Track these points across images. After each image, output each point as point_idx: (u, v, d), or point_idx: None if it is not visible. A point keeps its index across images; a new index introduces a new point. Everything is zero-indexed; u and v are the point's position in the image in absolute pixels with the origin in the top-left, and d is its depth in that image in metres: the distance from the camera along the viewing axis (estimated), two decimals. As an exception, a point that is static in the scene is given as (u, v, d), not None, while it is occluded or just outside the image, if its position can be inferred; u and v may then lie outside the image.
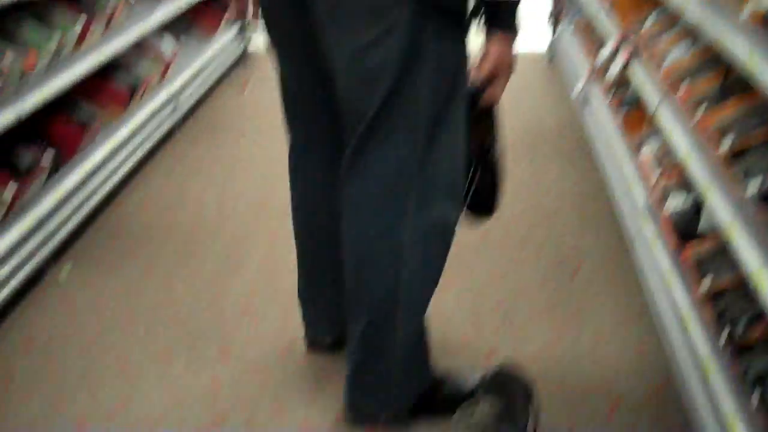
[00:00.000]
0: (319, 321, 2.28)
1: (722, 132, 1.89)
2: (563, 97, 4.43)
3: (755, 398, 1.65)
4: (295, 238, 2.22)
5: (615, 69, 3.13)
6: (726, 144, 1.85)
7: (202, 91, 4.41)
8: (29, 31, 2.77)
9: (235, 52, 5.08)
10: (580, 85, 3.94)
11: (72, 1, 3.09)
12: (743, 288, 1.85)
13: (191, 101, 4.23)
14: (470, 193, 1.94)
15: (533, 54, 5.26)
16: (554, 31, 5.07)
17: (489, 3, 1.78)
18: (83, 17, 2.99)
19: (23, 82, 2.61)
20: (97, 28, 3.11)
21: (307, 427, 2.06)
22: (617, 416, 2.09)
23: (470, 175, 1.93)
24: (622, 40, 3.17)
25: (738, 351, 1.76)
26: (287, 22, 1.89)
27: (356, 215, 1.87)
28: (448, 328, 2.43)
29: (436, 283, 1.95)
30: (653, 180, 2.54)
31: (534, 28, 5.41)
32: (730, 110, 1.98)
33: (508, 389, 1.93)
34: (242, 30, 5.17)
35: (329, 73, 1.82)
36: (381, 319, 1.89)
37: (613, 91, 3.25)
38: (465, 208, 1.95)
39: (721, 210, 1.85)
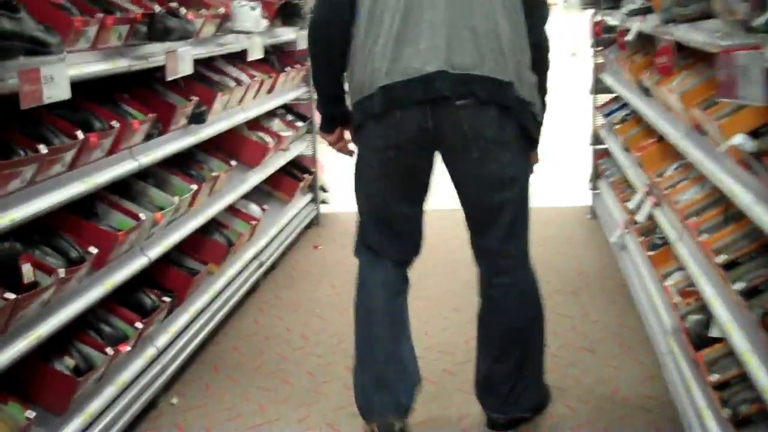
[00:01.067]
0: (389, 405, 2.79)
1: (717, 251, 2.38)
2: (604, 245, 4.92)
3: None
4: (368, 333, 2.84)
5: (643, 215, 3.64)
6: (720, 259, 2.33)
7: (282, 248, 4.99)
8: (154, 195, 3.40)
9: (309, 215, 5.69)
10: (617, 233, 4.45)
11: (185, 174, 3.73)
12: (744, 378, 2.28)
13: (274, 257, 4.81)
14: None
15: (577, 208, 5.81)
16: (594, 188, 5.62)
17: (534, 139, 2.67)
18: (194, 186, 3.62)
19: (150, 234, 3.22)
20: (204, 192, 3.74)
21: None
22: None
23: None
24: (648, 191, 3.70)
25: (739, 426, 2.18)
26: (416, 160, 2.64)
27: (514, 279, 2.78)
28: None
29: None
30: (675, 303, 2.99)
31: (578, 186, 6.00)
32: (726, 236, 2.48)
33: None
34: (314, 197, 5.81)
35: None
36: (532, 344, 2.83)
37: (639, 233, 3.75)
38: None
39: (721, 313, 2.30)
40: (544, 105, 2.71)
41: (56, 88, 2.39)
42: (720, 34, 2.17)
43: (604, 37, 5.15)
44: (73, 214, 2.88)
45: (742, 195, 2.15)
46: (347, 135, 2.88)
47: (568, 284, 4.40)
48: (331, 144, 2.95)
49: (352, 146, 2.90)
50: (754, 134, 2.03)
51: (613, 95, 5.25)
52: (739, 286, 2.16)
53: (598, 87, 5.41)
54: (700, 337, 2.64)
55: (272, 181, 5.13)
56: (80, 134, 2.69)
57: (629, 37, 3.70)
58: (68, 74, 2.46)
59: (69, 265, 2.65)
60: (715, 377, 2.42)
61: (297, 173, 5.53)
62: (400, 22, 2.48)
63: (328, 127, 2.90)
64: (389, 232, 2.80)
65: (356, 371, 2.87)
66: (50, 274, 2.52)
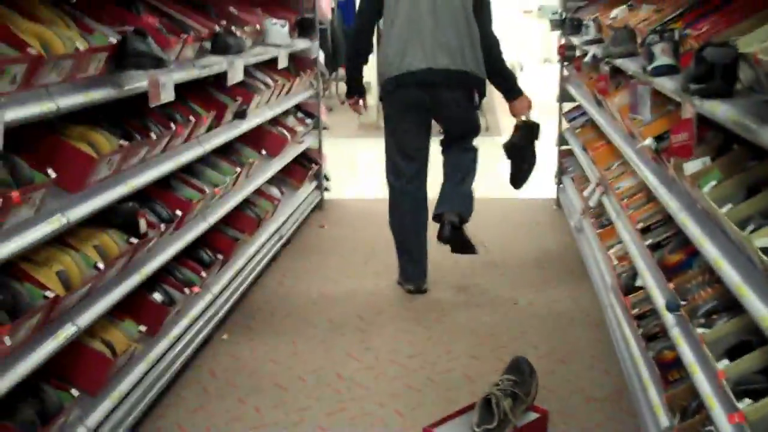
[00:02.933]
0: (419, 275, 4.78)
1: (638, 222, 3.35)
2: (566, 229, 5.89)
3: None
4: (403, 230, 4.80)
5: (594, 201, 4.60)
6: (639, 225, 3.30)
7: (295, 226, 5.91)
8: (210, 174, 4.31)
9: (315, 200, 6.62)
10: (576, 218, 5.42)
11: (230, 159, 4.64)
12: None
13: (289, 233, 5.73)
14: (522, 172, 4.85)
15: (545, 199, 6.80)
16: (559, 182, 6.59)
17: (508, 87, 4.72)
18: (237, 170, 4.53)
19: (211, 204, 4.14)
20: (243, 175, 4.66)
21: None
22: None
23: (524, 161, 4.79)
24: (598, 183, 4.66)
25: (649, 340, 3.14)
26: (418, 115, 4.59)
27: (463, 160, 4.70)
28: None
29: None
30: (614, 266, 3.96)
31: (544, 181, 6.97)
32: (645, 211, 3.45)
33: (522, 368, 3.30)
34: (319, 185, 6.74)
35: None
36: (468, 177, 4.66)
37: (592, 217, 4.72)
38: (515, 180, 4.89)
39: (641, 267, 3.27)
40: (508, 76, 4.76)
41: (166, 92, 3.31)
42: (637, 68, 3.13)
43: (567, 54, 6.12)
44: (159, 187, 3.78)
45: (653, 180, 3.10)
46: (361, 101, 4.95)
47: (535, 260, 5.36)
48: (351, 105, 4.94)
49: (360, 108, 4.98)
50: (659, 138, 2.98)
51: (576, 104, 6.21)
52: (648, 242, 3.12)
53: (564, 96, 6.37)
54: (628, 286, 3.61)
55: (285, 169, 6.02)
56: (172, 126, 3.60)
57: (586, 60, 4.67)
58: (173, 81, 3.38)
59: (164, 222, 3.56)
60: (635, 311, 3.38)
61: (305, 163, 6.44)
62: (406, 37, 4.44)
63: (349, 94, 4.90)
64: (408, 158, 4.65)
65: (399, 254, 4.84)
66: (153, 228, 3.43)
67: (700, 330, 2.35)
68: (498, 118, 10.77)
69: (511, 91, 4.73)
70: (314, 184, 6.66)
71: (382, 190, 7.60)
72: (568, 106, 6.51)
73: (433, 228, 4.69)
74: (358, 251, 5.63)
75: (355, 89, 4.85)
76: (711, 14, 2.78)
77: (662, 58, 2.53)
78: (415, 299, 4.72)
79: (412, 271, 4.78)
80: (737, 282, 2.07)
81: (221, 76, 4.31)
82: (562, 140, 6.49)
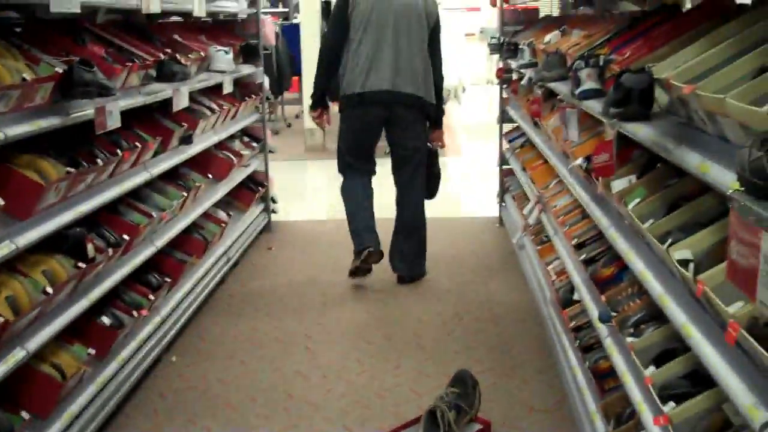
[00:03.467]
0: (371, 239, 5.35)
1: (573, 237, 3.49)
2: (509, 246, 6.04)
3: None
4: (354, 203, 5.38)
5: (533, 219, 4.75)
6: (574, 241, 3.44)
7: (242, 249, 5.97)
8: (157, 199, 4.36)
9: (262, 222, 6.69)
10: (517, 235, 5.57)
11: (176, 184, 4.70)
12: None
13: (237, 255, 5.79)
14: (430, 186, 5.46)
15: (488, 218, 6.95)
16: (502, 201, 6.75)
17: (437, 118, 5.33)
18: (183, 194, 4.59)
19: (159, 228, 4.20)
20: (190, 198, 4.71)
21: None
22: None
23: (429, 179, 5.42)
24: (537, 200, 4.81)
25: (586, 352, 3.27)
26: (375, 128, 5.25)
27: (414, 198, 5.34)
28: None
29: None
30: (553, 280, 4.10)
31: (487, 200, 7.13)
32: (580, 228, 3.59)
33: (465, 381, 3.41)
34: (267, 207, 6.80)
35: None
36: (422, 233, 5.33)
37: (533, 234, 4.87)
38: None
39: (578, 281, 3.40)
40: (441, 100, 5.32)
41: (113, 119, 3.37)
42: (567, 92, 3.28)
43: (505, 77, 6.30)
44: (106, 212, 3.83)
45: (585, 198, 3.25)
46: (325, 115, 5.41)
47: (478, 276, 5.49)
48: (314, 118, 5.35)
49: (324, 122, 5.41)
50: (589, 158, 3.13)
51: (516, 124, 6.38)
52: (582, 257, 3.26)
53: (505, 117, 6.55)
54: (566, 300, 3.75)
55: (232, 192, 6.09)
56: (119, 152, 3.66)
57: (522, 83, 4.84)
58: (119, 108, 3.44)
59: (111, 247, 3.61)
60: (573, 324, 3.52)
61: (252, 186, 6.51)
62: (371, 60, 5.02)
63: (315, 107, 5.31)
64: (361, 157, 5.29)
65: (352, 227, 5.34)
66: (101, 252, 3.48)
67: (629, 339, 2.48)
68: (453, 138, 10.96)
69: (438, 121, 5.43)
70: (261, 206, 6.73)
71: (329, 211, 7.73)
72: (508, 126, 6.68)
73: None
74: (305, 272, 5.71)
75: (321, 102, 5.31)
76: (636, 40, 2.93)
77: (588, 83, 2.68)
78: (360, 319, 4.81)
79: (368, 237, 5.29)
80: (660, 292, 2.20)
81: (167, 103, 4.37)
82: (503, 160, 6.65)
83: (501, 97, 6.58)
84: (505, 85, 6.50)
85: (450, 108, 11.43)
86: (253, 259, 6.06)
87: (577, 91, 2.73)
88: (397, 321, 4.76)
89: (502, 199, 6.76)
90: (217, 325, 4.75)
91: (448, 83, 7.22)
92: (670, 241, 2.04)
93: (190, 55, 4.76)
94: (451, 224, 6.76)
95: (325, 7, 10.28)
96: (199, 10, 4.54)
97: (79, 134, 3.52)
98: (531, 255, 4.98)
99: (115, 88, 3.40)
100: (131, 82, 3.88)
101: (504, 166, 6.67)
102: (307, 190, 9.29)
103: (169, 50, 4.54)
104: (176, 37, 4.89)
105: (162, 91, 4.18)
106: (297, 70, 11.59)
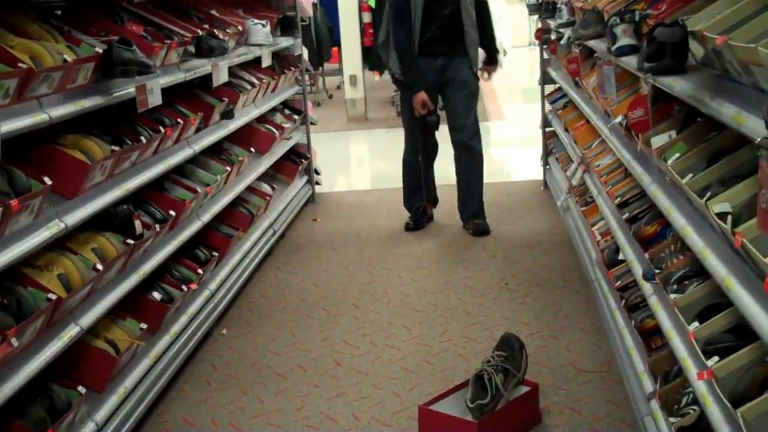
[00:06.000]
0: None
1: (617, 197, 3.47)
2: (554, 209, 6.01)
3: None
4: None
5: (576, 179, 4.72)
6: (617, 200, 3.42)
7: (288, 221, 6.02)
8: (201, 174, 4.42)
9: (307, 194, 6.73)
10: (562, 198, 5.54)
11: (220, 159, 4.75)
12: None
13: (283, 227, 5.85)
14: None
15: (533, 181, 6.92)
16: (546, 163, 6.71)
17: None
18: (227, 168, 4.64)
19: (204, 203, 4.26)
20: (234, 173, 4.77)
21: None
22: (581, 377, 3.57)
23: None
24: (580, 161, 4.78)
25: (632, 311, 3.26)
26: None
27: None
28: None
29: None
30: (598, 241, 4.08)
31: (532, 163, 7.09)
32: (623, 187, 3.57)
33: (512, 344, 3.42)
34: (310, 179, 6.85)
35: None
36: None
37: (577, 195, 4.84)
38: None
39: (622, 240, 3.39)
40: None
41: (154, 97, 3.42)
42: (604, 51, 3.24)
43: (544, 38, 6.23)
44: (152, 189, 3.89)
45: (627, 156, 3.22)
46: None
47: (524, 240, 5.49)
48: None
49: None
50: (626, 116, 3.10)
51: (557, 86, 6.32)
52: (625, 216, 3.24)
53: (546, 78, 6.48)
54: (612, 260, 3.73)
55: (276, 165, 6.13)
56: (161, 129, 3.71)
57: (561, 42, 4.78)
58: (160, 86, 3.49)
59: (158, 223, 3.67)
60: (618, 284, 3.50)
61: (295, 159, 6.55)
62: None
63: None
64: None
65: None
66: (148, 229, 3.54)
67: (673, 296, 2.47)
68: (485, 104, 10.90)
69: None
70: (305, 178, 6.77)
71: (373, 181, 7.75)
72: (550, 88, 6.62)
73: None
74: (351, 242, 5.75)
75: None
76: (671, -6, 2.89)
77: (624, 39, 2.65)
78: (407, 284, 4.84)
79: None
80: (701, 247, 2.19)
81: (207, 78, 4.41)
82: (546, 122, 6.60)
83: (542, 59, 6.52)
84: (545, 46, 6.43)
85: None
86: (298, 231, 6.11)
87: (613, 48, 2.70)
88: (442, 287, 4.78)
89: (546, 162, 6.71)
90: (265, 298, 4.82)
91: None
92: (708, 194, 2.02)
93: (227, 30, 4.80)
94: (497, 189, 6.74)
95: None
96: (234, -16, 4.56)
97: (122, 113, 3.58)
98: (576, 216, 4.96)
99: (155, 66, 3.44)
100: (170, 59, 3.92)
101: (547, 129, 6.61)
102: (350, 160, 9.32)
103: (206, 26, 4.58)
104: (213, 12, 4.93)
105: (201, 66, 4.21)
106: (336, 41, 11.58)
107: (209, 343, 4.21)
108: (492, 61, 5.82)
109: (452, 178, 5.85)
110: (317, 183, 7.00)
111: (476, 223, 5.67)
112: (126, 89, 3.32)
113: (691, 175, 2.26)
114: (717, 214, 1.92)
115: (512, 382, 3.34)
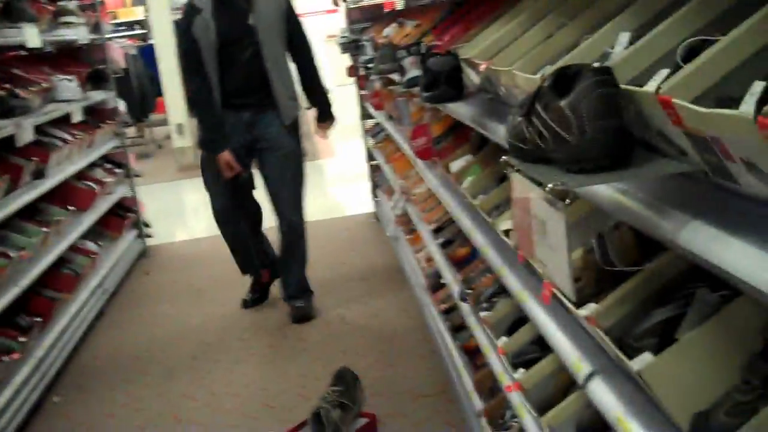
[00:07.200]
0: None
1: (432, 222, 3.57)
2: (385, 240, 6.11)
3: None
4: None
5: (399, 209, 4.82)
6: (432, 226, 3.52)
7: (119, 277, 5.86)
8: (15, 239, 4.25)
9: (138, 248, 6.58)
10: (391, 228, 5.64)
11: (35, 220, 4.58)
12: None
13: (113, 285, 5.69)
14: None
15: (364, 214, 7.02)
16: (375, 196, 6.83)
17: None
18: (44, 230, 4.48)
19: (21, 267, 4.09)
20: (52, 233, 4.60)
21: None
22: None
23: None
24: (402, 191, 4.89)
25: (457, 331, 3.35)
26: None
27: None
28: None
29: None
30: (423, 267, 4.18)
31: (363, 197, 7.20)
32: (437, 213, 3.68)
33: (346, 378, 3.45)
34: (140, 232, 6.70)
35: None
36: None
37: (403, 225, 4.95)
38: None
39: (443, 268, 3.49)
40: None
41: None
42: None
43: (357, 74, 6.37)
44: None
45: (434, 182, 3.33)
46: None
47: (359, 273, 5.55)
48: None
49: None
50: (436, 141, 3.22)
51: (375, 120, 6.46)
52: (440, 240, 3.35)
53: (365, 114, 6.61)
54: (435, 284, 3.83)
55: (101, 222, 5.96)
56: (-37, 197, 3.55)
57: (371, 78, 4.90)
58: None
59: (-32, 295, 3.50)
60: (443, 306, 3.60)
61: (122, 213, 6.39)
62: None
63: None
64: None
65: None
66: (-43, 303, 3.37)
67: (483, 314, 2.56)
68: (314, 142, 10.99)
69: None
70: (134, 232, 6.61)
71: (207, 228, 7.65)
72: (371, 122, 6.76)
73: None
74: (187, 293, 5.65)
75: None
76: (457, 25, 3.02)
77: (412, 71, 2.75)
78: (245, 329, 4.80)
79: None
80: (499, 265, 2.28)
81: (13, 139, 4.26)
82: (370, 156, 6.72)
83: (358, 95, 6.65)
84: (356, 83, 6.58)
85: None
86: (132, 287, 5.96)
87: (404, 80, 2.80)
88: (281, 327, 4.76)
89: (375, 195, 6.82)
90: (98, 359, 4.66)
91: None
92: (495, 213, 2.12)
93: (31, 88, 4.66)
94: (330, 224, 6.80)
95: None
96: (33, 41, 4.43)
97: None
98: (404, 245, 5.06)
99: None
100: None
101: (372, 162, 6.74)
102: (183, 210, 9.18)
103: (7, 85, 4.42)
104: (15, 70, 4.77)
105: (2, 127, 4.06)
106: (160, 91, 11.42)
107: (40, 413, 4.03)
108: (324, 116, 4.73)
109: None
110: (148, 236, 6.85)
111: (297, 308, 4.80)
112: None
113: (482, 195, 2.36)
114: (504, 231, 2.01)
115: (351, 415, 3.37)
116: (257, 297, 5.14)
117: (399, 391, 3.79)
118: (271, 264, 5.07)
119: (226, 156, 4.47)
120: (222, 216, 4.82)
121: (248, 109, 4.52)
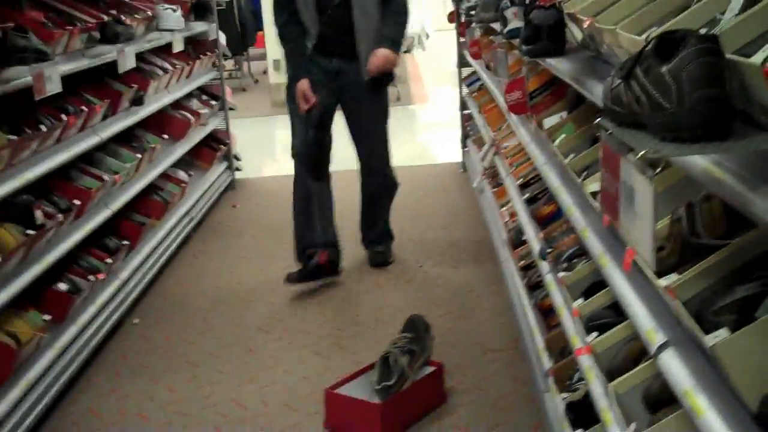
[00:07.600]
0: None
1: (519, 177, 3.53)
2: (470, 191, 6.08)
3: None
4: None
5: (487, 161, 4.78)
6: (519, 181, 3.48)
7: (206, 208, 5.98)
8: (110, 162, 4.37)
9: (226, 180, 6.69)
10: (477, 180, 5.61)
11: (130, 146, 4.70)
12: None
13: (201, 214, 5.81)
14: None
15: (452, 163, 6.98)
16: (464, 146, 6.78)
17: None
18: (138, 156, 4.59)
19: (113, 191, 4.21)
20: (145, 160, 4.72)
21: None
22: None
23: None
24: (492, 143, 4.84)
25: (533, 289, 3.33)
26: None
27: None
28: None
29: None
30: (506, 222, 4.15)
31: (453, 145, 7.16)
32: (525, 168, 3.63)
33: (417, 326, 3.47)
34: (229, 165, 6.81)
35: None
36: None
37: (489, 177, 4.91)
38: None
39: (524, 221, 3.46)
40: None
41: (52, 84, 3.36)
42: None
43: (458, 21, 6.29)
44: (57, 178, 3.84)
45: (525, 137, 3.28)
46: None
47: (441, 221, 5.55)
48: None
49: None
50: (531, 95, 3.16)
51: (473, 68, 6.38)
52: (526, 196, 3.31)
53: (463, 62, 6.54)
54: (517, 240, 3.80)
55: (193, 152, 6.09)
56: (64, 117, 3.66)
57: (472, 26, 4.84)
58: (59, 73, 3.43)
59: (62, 213, 3.62)
60: (522, 263, 3.57)
61: (214, 145, 6.50)
62: None
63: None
64: None
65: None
66: (51, 218, 3.49)
67: (561, 274, 2.53)
68: (410, 86, 10.94)
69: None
70: (224, 164, 6.73)
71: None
72: (468, 70, 6.69)
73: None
74: (270, 228, 5.73)
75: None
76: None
77: (514, 22, 2.70)
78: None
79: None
80: (582, 226, 2.25)
81: (116, 65, 4.36)
82: (463, 105, 6.66)
83: (458, 42, 6.57)
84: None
85: (415, 55, 11.43)
86: (217, 218, 6.08)
87: (505, 30, 2.75)
88: (357, 269, 4.80)
89: (464, 144, 6.78)
90: (179, 286, 4.79)
91: (411, 30, 7.14)
92: (585, 174, 2.08)
93: (135, 15, 4.74)
94: (416, 172, 6.78)
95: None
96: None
97: (22, 102, 3.52)
98: (489, 198, 5.03)
99: (52, 53, 3.38)
100: (74, 45, 3.86)
101: (465, 111, 6.68)
102: (273, 146, 9.27)
103: (113, 11, 4.51)
104: (121, -3, 4.86)
105: (106, 53, 4.16)
106: (261, 26, 11.49)
107: (120, 333, 4.17)
108: (381, 43, 4.34)
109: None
110: (237, 169, 6.96)
111: (377, 252, 4.86)
112: (23, 77, 3.26)
113: (573, 155, 2.32)
114: (592, 193, 1.98)
115: (417, 362, 3.38)
116: (305, 273, 4.57)
117: (469, 343, 3.80)
118: (332, 246, 4.65)
119: (303, 84, 4.32)
120: (301, 149, 4.64)
121: (337, 57, 4.44)
